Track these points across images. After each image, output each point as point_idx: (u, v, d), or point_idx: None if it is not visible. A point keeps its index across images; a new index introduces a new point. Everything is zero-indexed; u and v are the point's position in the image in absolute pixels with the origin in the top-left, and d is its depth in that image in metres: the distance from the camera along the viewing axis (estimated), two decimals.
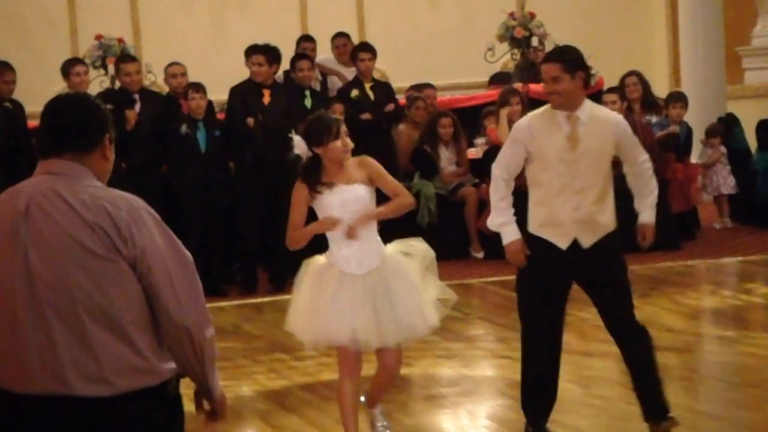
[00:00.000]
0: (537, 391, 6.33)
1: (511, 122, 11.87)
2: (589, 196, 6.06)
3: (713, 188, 12.82)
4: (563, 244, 6.07)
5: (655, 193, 6.34)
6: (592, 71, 13.11)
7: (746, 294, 9.97)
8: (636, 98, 12.16)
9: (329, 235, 6.06)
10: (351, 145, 6.06)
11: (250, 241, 10.90)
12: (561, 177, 6.03)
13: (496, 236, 12.29)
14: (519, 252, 6.13)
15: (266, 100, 10.79)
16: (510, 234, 6.16)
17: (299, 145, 5.96)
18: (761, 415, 6.66)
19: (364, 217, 6.00)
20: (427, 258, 6.21)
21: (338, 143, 5.99)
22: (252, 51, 10.98)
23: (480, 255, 11.77)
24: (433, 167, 11.96)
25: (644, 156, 6.29)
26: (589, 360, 7.78)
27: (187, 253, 3.58)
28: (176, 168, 10.88)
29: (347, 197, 5.99)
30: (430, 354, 8.34)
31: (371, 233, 6.06)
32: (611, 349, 8.00)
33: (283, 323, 9.61)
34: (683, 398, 6.95)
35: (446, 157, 11.99)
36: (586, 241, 6.08)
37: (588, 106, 6.12)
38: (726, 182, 12.78)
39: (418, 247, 6.21)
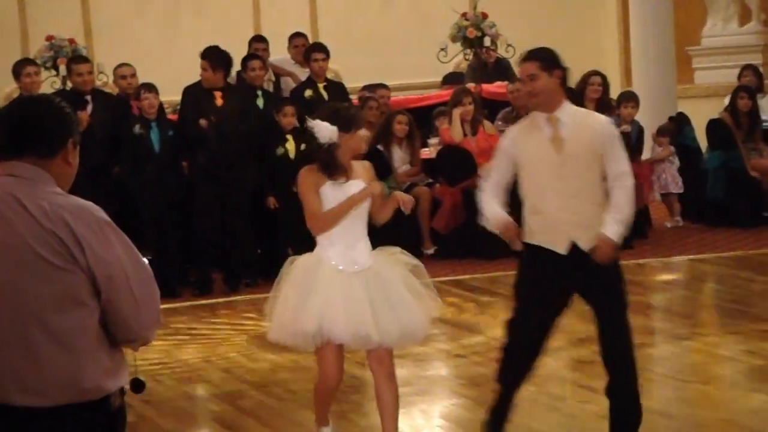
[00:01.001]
0: (501, 402, 6.19)
1: (464, 122, 11.94)
2: (585, 200, 5.90)
3: (661, 186, 12.93)
4: (562, 248, 5.88)
5: (626, 211, 5.93)
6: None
7: (697, 292, 10.06)
8: (595, 99, 12.23)
9: (322, 234, 5.92)
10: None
11: (205, 242, 10.88)
12: (553, 181, 5.86)
13: (449, 235, 12.36)
14: (507, 224, 5.96)
15: (218, 102, 10.78)
16: (495, 213, 5.99)
17: (325, 130, 5.78)
18: (712, 413, 6.73)
19: (376, 187, 5.92)
20: (418, 267, 6.07)
21: (364, 132, 5.91)
22: (201, 55, 10.97)
23: (431, 251, 11.80)
24: (387, 167, 11.98)
25: (625, 170, 5.96)
26: (544, 359, 7.80)
27: (146, 264, 3.51)
28: (130, 168, 10.83)
29: (354, 192, 5.88)
30: None
31: (363, 232, 5.98)
32: (563, 346, 8.08)
33: (237, 324, 9.63)
34: None
35: (399, 157, 12.01)
36: (585, 244, 5.88)
37: (570, 108, 6.00)
38: (674, 181, 12.89)
39: (400, 256, 6.10)
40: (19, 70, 11.12)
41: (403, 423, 6.96)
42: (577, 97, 12.05)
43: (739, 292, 9.76)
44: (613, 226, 5.87)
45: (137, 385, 3.59)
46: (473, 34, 13.82)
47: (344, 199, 5.84)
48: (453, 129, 11.75)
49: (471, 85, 12.83)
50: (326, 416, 6.22)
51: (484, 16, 14.00)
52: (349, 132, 5.84)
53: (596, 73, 12.43)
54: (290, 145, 10.92)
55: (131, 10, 15.70)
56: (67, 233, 3.36)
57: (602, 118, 6.16)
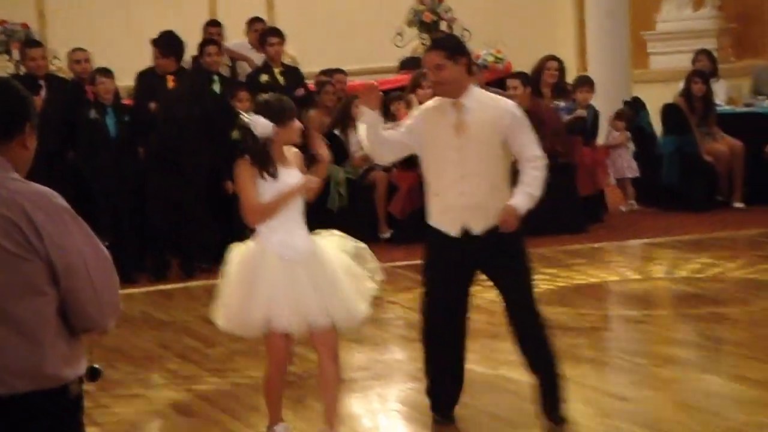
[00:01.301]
0: (441, 379, 6.35)
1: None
2: (480, 183, 6.03)
3: (616, 171, 13.01)
4: (453, 231, 6.07)
5: (535, 186, 6.05)
6: (500, 55, 13.30)
7: (651, 275, 10.14)
8: (551, 84, 12.32)
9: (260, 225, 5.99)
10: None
11: (159, 227, 10.84)
12: (449, 163, 6.02)
13: (406, 220, 12.37)
14: (371, 89, 6.10)
15: (170, 84, 10.74)
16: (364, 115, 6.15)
17: (259, 124, 5.87)
18: (666, 395, 6.79)
19: (313, 182, 6.02)
20: (364, 250, 6.15)
21: (297, 124, 6.03)
22: (151, 43, 10.95)
23: (387, 235, 11.83)
24: (343, 152, 11.98)
25: (536, 154, 6.13)
26: (497, 342, 7.85)
27: (106, 252, 3.47)
28: (85, 154, 10.77)
29: (288, 183, 5.96)
30: (341, 338, 8.34)
31: (301, 220, 6.05)
32: None
33: (193, 310, 9.61)
34: (591, 379, 7.06)
35: (356, 142, 11.99)
36: (477, 227, 6.04)
37: (476, 93, 6.13)
38: (629, 166, 12.97)
39: (340, 240, 6.16)
40: None
41: (360, 407, 6.99)
42: (534, 82, 12.15)
43: (692, 276, 9.85)
44: (521, 197, 6.00)
45: (94, 373, 3.57)
46: (429, 19, 13.82)
47: (280, 188, 5.91)
48: (412, 113, 11.75)
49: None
50: (279, 413, 6.20)
51: (440, 0, 14.01)
52: (284, 125, 5.93)
53: (553, 57, 12.54)
54: None
55: None
56: (25, 221, 3.30)
57: (509, 103, 6.23)
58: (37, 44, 11.49)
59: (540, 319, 6.23)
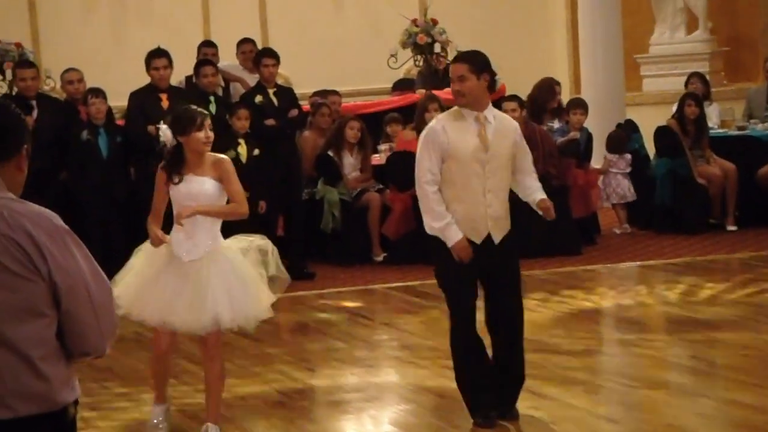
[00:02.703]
0: (482, 383, 6.61)
1: None
2: (500, 196, 6.46)
3: (607, 196, 12.93)
4: (478, 239, 6.41)
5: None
6: (496, 77, 13.32)
7: (645, 298, 10.13)
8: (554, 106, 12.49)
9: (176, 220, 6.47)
10: (212, 137, 6.50)
11: None
12: (477, 176, 6.36)
13: (400, 242, 12.35)
14: (467, 247, 6.37)
15: (165, 104, 10.74)
16: (456, 233, 6.37)
17: (165, 134, 6.48)
18: (659, 418, 6.77)
19: (192, 208, 6.39)
20: (270, 254, 6.58)
21: (201, 134, 6.42)
22: (154, 55, 10.94)
23: (380, 258, 11.81)
24: (337, 173, 11.98)
25: (533, 166, 6.73)
26: None
27: (105, 276, 3.45)
28: (77, 174, 10.75)
29: (194, 188, 6.43)
30: (334, 360, 8.35)
31: (208, 226, 6.45)
32: None
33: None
34: (583, 401, 7.04)
35: (350, 164, 12.01)
36: (497, 237, 6.47)
37: (493, 110, 6.51)
38: (628, 191, 12.90)
39: (258, 243, 6.60)
40: None
41: (353, 429, 6.96)
42: (540, 103, 12.30)
43: (685, 298, 9.84)
44: (544, 194, 6.66)
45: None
46: (423, 41, 13.85)
47: (186, 193, 6.43)
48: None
49: (421, 92, 12.86)
50: (163, 394, 6.82)
51: (434, 22, 14.04)
52: (185, 135, 6.43)
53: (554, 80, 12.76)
54: (242, 149, 10.90)
55: (79, 15, 15.60)
56: (28, 241, 3.27)
57: (515, 123, 6.75)
58: (29, 64, 11.49)
59: (523, 328, 6.68)
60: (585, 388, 7.36)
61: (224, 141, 10.92)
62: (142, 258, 6.59)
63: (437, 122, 6.51)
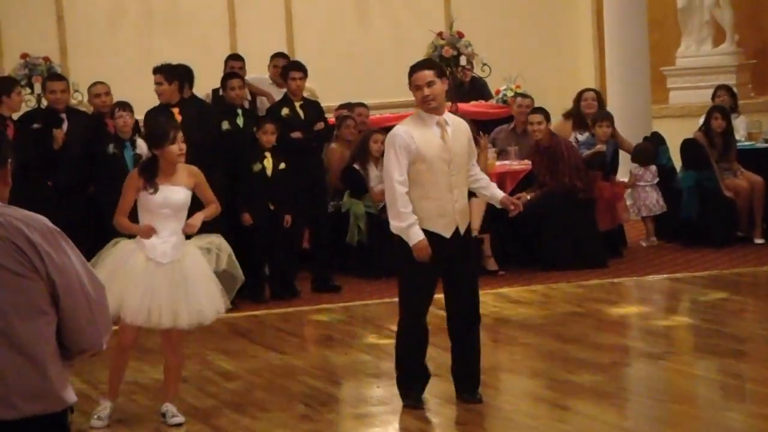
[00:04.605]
0: (418, 372, 7.20)
1: None
2: (463, 191, 7.05)
3: (637, 209, 12.91)
4: (448, 233, 6.96)
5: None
6: (520, 90, 13.33)
7: (672, 311, 10.09)
8: (590, 114, 12.52)
9: (142, 222, 7.06)
10: (185, 148, 7.06)
11: None
12: (444, 175, 6.91)
13: None
14: (427, 248, 6.85)
15: (178, 117, 10.78)
16: (418, 234, 6.87)
17: (141, 148, 6.81)
18: None
19: (199, 218, 7.10)
20: (223, 251, 7.20)
21: (175, 147, 7.00)
22: (153, 71, 10.99)
23: None
24: (362, 186, 11.99)
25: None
26: (516, 377, 7.82)
27: (96, 275, 3.57)
28: (104, 188, 10.78)
29: (169, 197, 7.03)
30: (360, 373, 8.35)
31: (178, 229, 7.06)
32: (537, 365, 8.09)
33: (212, 343, 9.59)
34: (610, 415, 7.02)
35: (375, 176, 12.00)
36: (463, 228, 7.03)
37: (449, 114, 7.17)
38: (656, 203, 12.86)
39: (215, 242, 7.22)
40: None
41: None
42: (576, 114, 12.56)
43: (713, 312, 9.79)
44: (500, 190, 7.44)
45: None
46: (449, 54, 13.85)
47: (161, 201, 7.01)
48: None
49: (447, 105, 12.85)
50: (116, 390, 7.29)
51: (460, 35, 14.04)
52: (160, 149, 7.01)
53: (588, 89, 13.05)
54: (268, 162, 10.91)
55: (106, 28, 15.66)
56: (25, 242, 3.39)
57: (466, 123, 7.35)
58: (59, 77, 11.54)
59: (479, 313, 7.22)
60: (612, 401, 7.34)
61: (251, 154, 10.97)
62: (111, 256, 7.06)
63: (402, 128, 7.00)
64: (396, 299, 7.37)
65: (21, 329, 3.37)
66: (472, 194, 7.40)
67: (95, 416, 7.18)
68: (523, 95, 12.97)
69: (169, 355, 7.28)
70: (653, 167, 12.89)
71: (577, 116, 12.76)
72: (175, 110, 10.83)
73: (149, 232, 7.01)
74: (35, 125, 10.77)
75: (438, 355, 7.82)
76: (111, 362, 7.27)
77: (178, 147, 7.01)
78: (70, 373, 3.55)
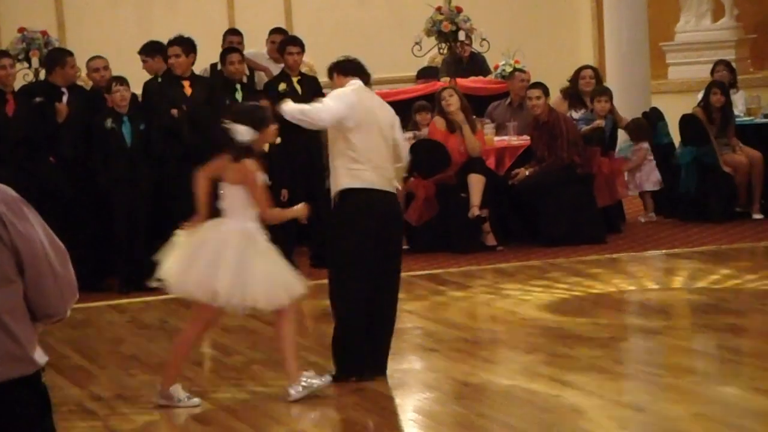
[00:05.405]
0: (360, 342, 7.36)
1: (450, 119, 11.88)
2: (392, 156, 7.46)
3: (636, 185, 12.94)
4: (391, 187, 7.33)
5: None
6: (519, 66, 13.30)
7: (669, 286, 10.10)
8: (587, 92, 12.54)
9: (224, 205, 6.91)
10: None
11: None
12: (381, 140, 7.33)
13: (422, 229, 12.38)
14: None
15: (187, 91, 10.76)
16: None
17: (244, 133, 6.83)
18: (684, 406, 6.75)
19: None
20: None
21: (273, 126, 7.03)
22: (168, 44, 10.98)
23: (404, 246, 11.77)
24: None
25: None
26: (516, 353, 7.81)
27: (60, 242, 3.59)
28: (102, 163, 10.77)
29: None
30: None
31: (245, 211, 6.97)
32: (537, 340, 8.11)
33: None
34: (608, 389, 7.03)
35: None
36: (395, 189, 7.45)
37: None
38: (649, 179, 12.89)
39: None
40: None
41: (377, 416, 6.97)
42: (574, 91, 12.54)
43: (711, 287, 9.81)
44: None
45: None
46: (448, 28, 13.79)
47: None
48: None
49: (446, 80, 12.84)
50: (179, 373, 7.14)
51: (459, 10, 13.98)
52: (264, 129, 6.93)
53: (586, 66, 13.08)
54: None
55: (105, 2, 15.63)
56: None
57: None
58: (71, 53, 11.54)
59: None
60: (610, 376, 7.36)
61: None
62: (190, 238, 6.92)
63: (348, 97, 7.52)
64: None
65: None
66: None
67: (183, 398, 7.06)
68: (522, 70, 12.95)
69: (188, 327, 7.34)
70: (645, 144, 12.87)
71: (573, 94, 12.76)
72: (186, 83, 10.83)
73: (306, 211, 7.31)
74: (37, 99, 10.74)
75: (436, 330, 7.83)
76: (179, 343, 7.24)
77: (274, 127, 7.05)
78: (37, 335, 3.59)
